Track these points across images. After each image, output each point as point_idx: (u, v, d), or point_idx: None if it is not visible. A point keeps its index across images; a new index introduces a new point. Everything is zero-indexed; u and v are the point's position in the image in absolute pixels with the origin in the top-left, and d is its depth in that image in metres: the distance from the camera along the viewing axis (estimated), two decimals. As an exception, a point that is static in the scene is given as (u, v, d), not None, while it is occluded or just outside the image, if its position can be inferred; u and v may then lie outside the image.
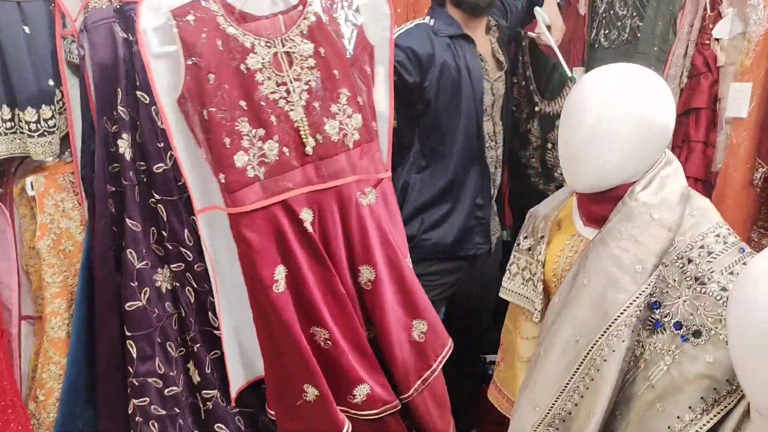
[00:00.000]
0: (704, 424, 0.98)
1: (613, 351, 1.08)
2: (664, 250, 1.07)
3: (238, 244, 1.41)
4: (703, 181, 1.83)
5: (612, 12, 2.08)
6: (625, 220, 1.10)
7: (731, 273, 1.02)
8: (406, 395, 1.55)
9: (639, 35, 1.97)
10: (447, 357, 1.62)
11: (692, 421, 0.99)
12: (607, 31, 2.12)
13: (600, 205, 1.16)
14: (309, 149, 1.39)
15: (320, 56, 1.38)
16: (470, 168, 1.81)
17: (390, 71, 1.53)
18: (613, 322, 1.08)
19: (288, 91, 1.36)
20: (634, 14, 1.99)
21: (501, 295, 1.43)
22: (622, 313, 1.08)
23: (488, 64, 1.84)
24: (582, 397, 1.12)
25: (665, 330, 1.06)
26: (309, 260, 1.41)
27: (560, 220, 1.29)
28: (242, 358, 1.65)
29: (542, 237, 1.29)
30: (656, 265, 1.07)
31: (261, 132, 1.35)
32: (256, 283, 1.41)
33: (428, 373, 1.57)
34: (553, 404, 1.16)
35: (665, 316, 1.06)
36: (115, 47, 1.48)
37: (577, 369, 1.13)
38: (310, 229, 1.40)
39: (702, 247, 1.06)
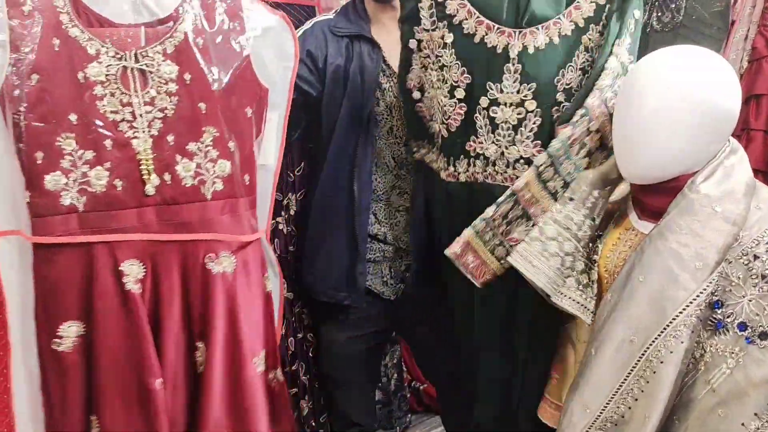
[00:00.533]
0: None
1: (671, 352, 1.02)
2: (727, 246, 1.00)
3: (35, 282, 1.16)
4: (764, 173, 1.73)
5: (666, -7, 1.99)
6: (686, 213, 1.03)
7: (802, 270, 0.95)
8: None
9: (694, 17, 1.87)
10: None
11: (758, 429, 0.92)
12: (660, 14, 2.02)
13: (657, 197, 1.09)
14: (150, 188, 1.16)
15: (185, 83, 1.16)
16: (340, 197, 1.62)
17: (285, 119, 1.33)
18: (671, 322, 1.02)
19: (134, 115, 1.14)
20: (689, -5, 1.89)
21: (555, 300, 1.24)
22: (680, 312, 1.01)
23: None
24: (636, 400, 1.07)
25: (728, 331, 0.99)
26: (118, 326, 1.16)
27: (612, 212, 1.23)
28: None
29: (599, 235, 1.22)
30: (719, 261, 1.00)
31: (89, 155, 1.13)
32: (41, 331, 1.17)
33: None
34: (606, 406, 1.11)
35: (728, 316, 1.00)
36: None
37: (632, 370, 1.07)
38: (131, 287, 1.16)
39: (770, 242, 0.98)
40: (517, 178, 1.33)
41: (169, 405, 1.22)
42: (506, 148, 1.36)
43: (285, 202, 1.78)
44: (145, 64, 1.13)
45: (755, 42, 1.75)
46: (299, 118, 1.53)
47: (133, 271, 1.17)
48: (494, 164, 1.37)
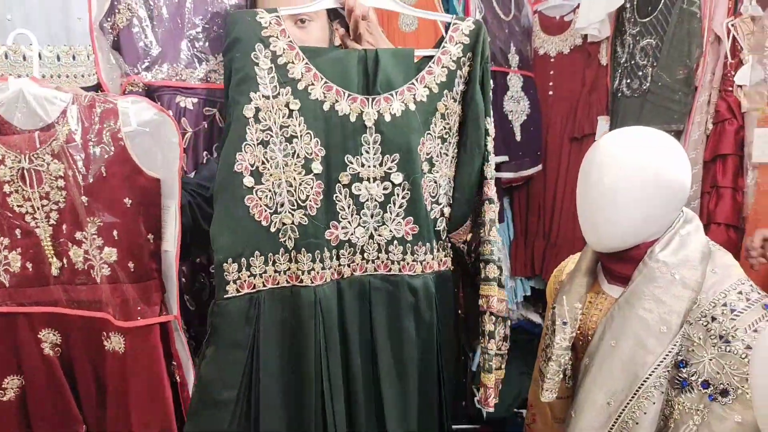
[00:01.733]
0: None
1: (644, 413, 1.09)
2: (687, 310, 1.08)
3: None
4: (735, 227, 1.82)
5: (633, 62, 2.12)
6: (648, 281, 1.12)
7: (755, 330, 1.02)
8: None
9: (660, 83, 2.00)
10: None
11: (723, 482, 0.98)
12: (629, 80, 2.15)
13: (622, 264, 1.18)
14: (55, 270, 1.34)
15: (68, 178, 1.29)
16: None
17: (179, 206, 1.35)
18: (642, 384, 1.09)
19: (34, 208, 1.31)
20: (654, 63, 2.02)
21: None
22: (650, 375, 1.09)
23: None
24: (616, 458, 1.13)
25: (693, 389, 1.06)
26: (43, 384, 1.37)
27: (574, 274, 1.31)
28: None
29: (565, 323, 1.27)
30: (680, 324, 1.08)
31: (6, 241, 1.33)
32: None
33: None
34: None
35: (692, 375, 1.07)
36: None
37: (610, 431, 1.13)
38: (48, 351, 1.36)
39: (725, 305, 1.06)
40: (392, 263, 1.27)
41: None
42: (375, 229, 1.27)
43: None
44: (38, 164, 1.29)
45: (718, 106, 1.86)
46: None
47: (49, 338, 1.35)
48: (363, 252, 1.27)
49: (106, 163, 1.29)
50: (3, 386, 1.37)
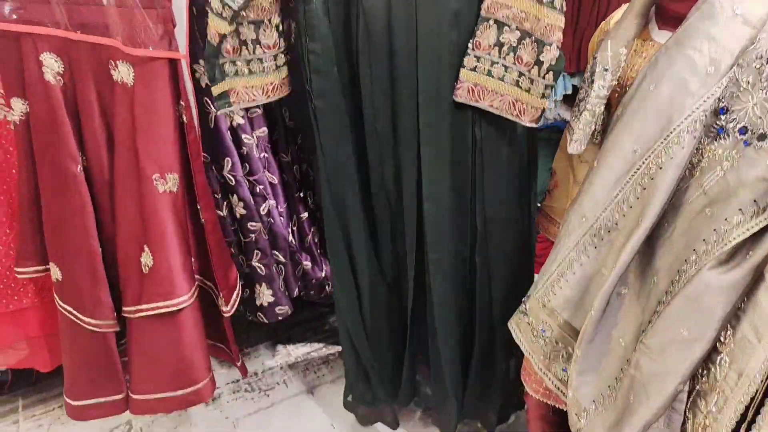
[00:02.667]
0: (751, 227, 0.94)
1: (671, 158, 1.04)
2: (743, 49, 0.98)
3: None
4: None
5: None
6: (705, 18, 1.01)
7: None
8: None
9: None
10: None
11: (739, 223, 0.95)
12: None
13: (679, 2, 1.07)
14: None
15: None
16: None
17: None
18: (675, 128, 1.03)
19: None
20: None
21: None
22: (686, 119, 1.02)
23: None
24: (631, 207, 1.10)
25: (728, 136, 1.00)
26: (42, 113, 1.34)
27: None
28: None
29: (606, 69, 1.20)
30: (730, 65, 0.99)
31: None
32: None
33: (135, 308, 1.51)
34: (601, 214, 1.15)
35: (731, 122, 1.00)
36: None
37: (631, 178, 1.10)
38: (48, 77, 1.31)
39: (786, 47, 0.96)
40: None
41: (96, 189, 1.43)
42: None
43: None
44: None
45: None
46: None
47: (50, 64, 1.32)
48: None
49: None
50: (12, 106, 1.37)
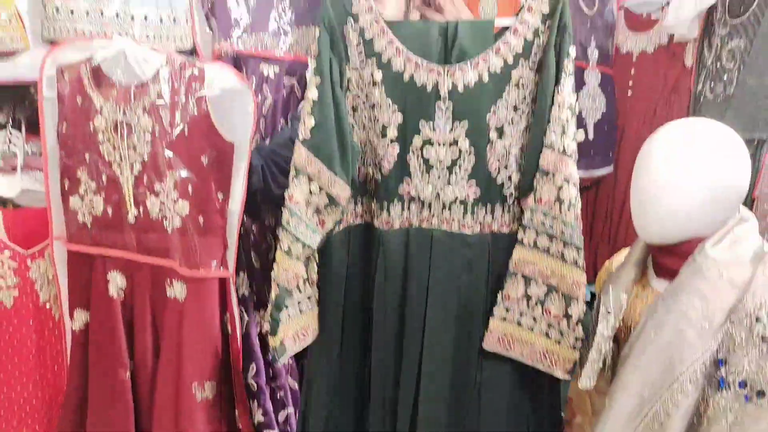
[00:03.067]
0: None
1: (677, 407, 1.09)
2: (732, 308, 1.08)
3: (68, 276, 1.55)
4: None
5: (719, 64, 2.05)
6: (694, 276, 1.12)
7: (801, 336, 1.01)
8: None
9: (746, 89, 1.93)
10: None
11: (749, 481, 0.98)
12: (712, 84, 2.08)
13: (671, 258, 1.18)
14: (131, 217, 1.45)
15: (155, 134, 1.40)
16: None
17: (246, 169, 1.47)
18: (678, 378, 1.10)
19: (121, 157, 1.43)
20: (741, 67, 1.95)
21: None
22: (687, 369, 1.09)
23: None
24: (645, 451, 1.13)
25: (729, 388, 1.06)
26: (102, 324, 1.49)
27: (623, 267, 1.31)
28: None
29: (609, 312, 1.27)
30: (723, 322, 1.07)
31: (93, 185, 1.46)
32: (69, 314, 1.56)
33: None
34: None
35: (730, 374, 1.06)
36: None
37: (641, 422, 1.14)
38: (112, 292, 1.48)
39: (772, 307, 1.05)
40: (453, 220, 1.36)
41: (139, 394, 1.53)
42: (441, 189, 1.35)
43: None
44: (129, 117, 1.42)
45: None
46: None
47: (116, 280, 1.49)
48: (430, 207, 1.37)
49: (189, 122, 1.39)
50: (74, 316, 1.53)
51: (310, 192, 1.32)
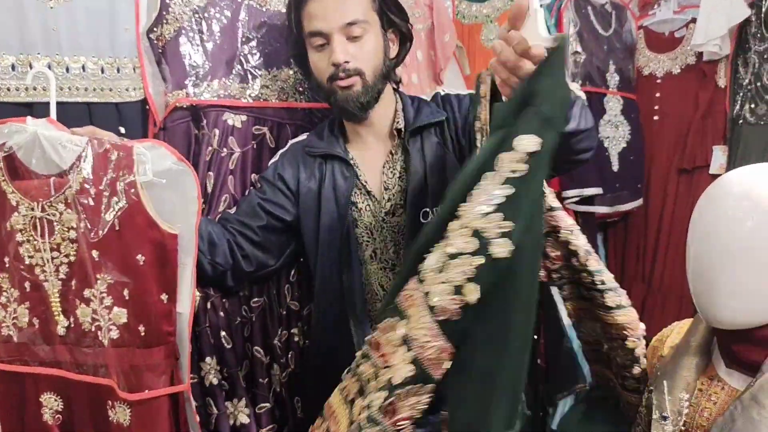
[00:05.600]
0: None
1: None
2: None
3: None
4: None
5: (759, 84, 1.80)
6: None
7: None
8: None
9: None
10: None
11: None
12: (753, 105, 1.83)
13: (749, 348, 0.89)
14: (61, 329, 1.22)
15: (80, 230, 1.18)
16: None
17: (194, 263, 1.24)
18: None
19: (44, 260, 1.20)
20: (788, 86, 1.70)
21: None
22: None
23: (374, 192, 1.37)
24: None
25: None
26: None
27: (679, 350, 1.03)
28: None
29: (665, 417, 1.00)
30: None
31: (16, 293, 1.23)
32: None
33: None
34: None
35: None
36: (190, 144, 1.43)
37: None
38: (47, 417, 1.25)
39: None
40: None
41: None
42: None
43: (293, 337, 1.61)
44: (50, 213, 1.18)
45: None
46: (284, 243, 1.41)
47: (50, 404, 1.25)
48: None
49: (119, 215, 1.16)
50: None
51: None
